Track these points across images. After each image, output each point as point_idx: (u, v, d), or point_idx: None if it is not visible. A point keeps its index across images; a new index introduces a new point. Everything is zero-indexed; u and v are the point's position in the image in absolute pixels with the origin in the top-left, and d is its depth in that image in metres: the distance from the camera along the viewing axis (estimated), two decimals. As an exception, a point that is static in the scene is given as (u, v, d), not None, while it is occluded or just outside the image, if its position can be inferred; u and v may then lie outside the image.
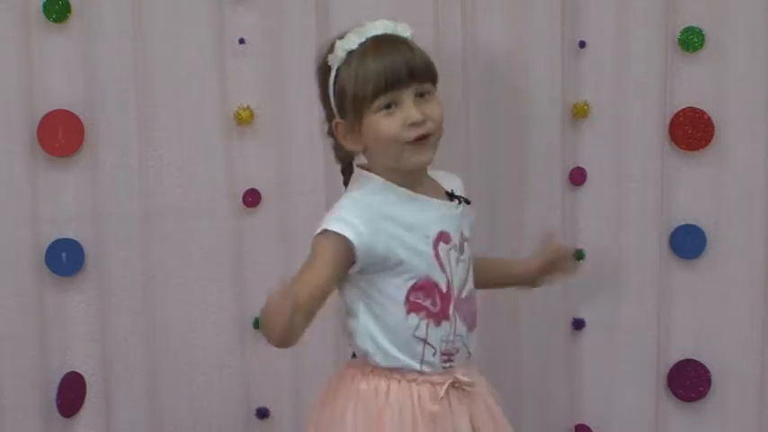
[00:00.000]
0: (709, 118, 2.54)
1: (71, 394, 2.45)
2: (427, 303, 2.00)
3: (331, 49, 2.03)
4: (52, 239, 2.42)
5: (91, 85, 2.40)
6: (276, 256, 2.45)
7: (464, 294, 2.05)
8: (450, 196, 2.08)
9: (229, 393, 2.49)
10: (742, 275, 2.58)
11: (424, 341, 2.01)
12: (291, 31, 2.42)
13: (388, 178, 2.03)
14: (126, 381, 2.47)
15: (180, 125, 2.44)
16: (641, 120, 2.53)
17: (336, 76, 2.03)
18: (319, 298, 1.92)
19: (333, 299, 2.00)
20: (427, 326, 2.01)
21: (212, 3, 2.42)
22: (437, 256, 2.01)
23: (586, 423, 2.59)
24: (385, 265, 1.98)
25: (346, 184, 2.10)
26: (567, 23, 2.49)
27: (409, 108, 1.98)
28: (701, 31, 2.52)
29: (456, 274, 2.03)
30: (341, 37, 2.03)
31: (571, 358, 2.58)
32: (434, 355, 2.01)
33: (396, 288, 1.99)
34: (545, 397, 2.56)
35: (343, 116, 2.03)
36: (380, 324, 2.01)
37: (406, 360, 2.00)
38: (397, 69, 1.98)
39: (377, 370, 2.02)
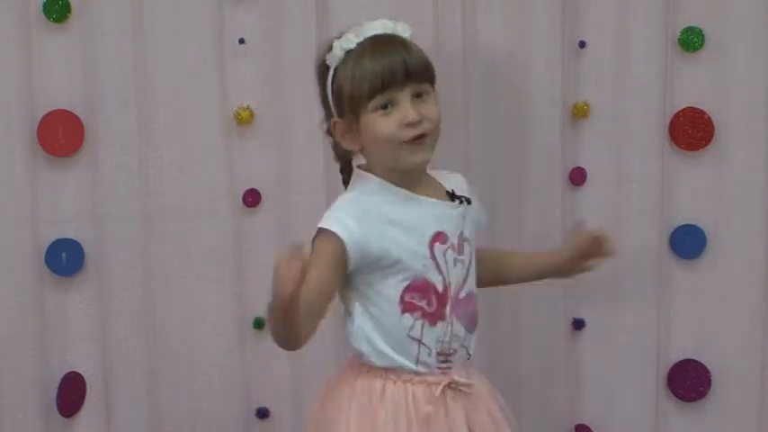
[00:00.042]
0: (709, 118, 2.54)
1: (71, 394, 2.45)
2: (422, 304, 2.00)
3: (329, 48, 2.04)
4: (52, 239, 2.42)
5: (91, 85, 2.40)
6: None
7: (462, 295, 2.05)
8: (452, 196, 2.08)
9: (229, 393, 2.49)
10: (742, 275, 2.58)
11: (419, 341, 2.01)
12: (291, 31, 2.42)
13: (386, 178, 2.03)
14: (126, 381, 2.47)
15: (180, 125, 2.44)
16: (641, 120, 2.53)
17: (334, 76, 2.03)
18: (315, 299, 1.91)
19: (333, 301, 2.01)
20: (422, 326, 2.01)
21: (212, 3, 2.42)
22: (433, 256, 2.01)
23: (586, 423, 2.59)
24: (379, 266, 1.98)
25: (345, 183, 2.11)
26: (567, 23, 2.49)
27: (406, 108, 1.98)
28: (701, 31, 2.52)
29: (453, 275, 2.03)
30: (340, 36, 2.04)
31: (571, 358, 2.58)
32: (430, 355, 2.01)
33: (391, 288, 2.00)
34: (545, 397, 2.56)
35: (340, 115, 2.04)
36: (376, 324, 2.01)
37: (400, 360, 2.00)
38: (393, 69, 1.98)
39: (373, 370, 2.02)
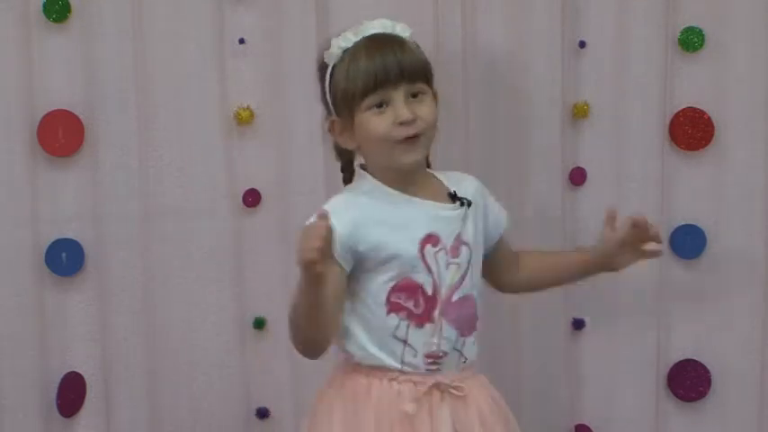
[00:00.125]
0: (709, 118, 2.54)
1: (71, 394, 2.45)
2: (409, 304, 2.00)
3: (329, 46, 2.04)
4: (52, 239, 2.42)
5: (91, 85, 2.41)
6: (276, 256, 2.45)
7: (455, 298, 2.04)
8: (453, 198, 2.08)
9: (229, 393, 2.49)
10: (742, 275, 2.58)
11: (404, 342, 2.01)
12: (291, 31, 2.42)
13: (382, 176, 2.04)
14: (126, 381, 2.47)
15: (180, 125, 2.44)
16: (641, 120, 2.53)
17: (332, 74, 2.04)
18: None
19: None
20: (407, 327, 2.00)
21: (212, 3, 2.42)
22: (423, 258, 2.01)
23: (586, 423, 2.59)
24: (367, 266, 1.99)
25: (346, 182, 2.12)
26: (567, 23, 2.49)
27: (399, 107, 1.99)
28: (701, 31, 2.52)
29: (444, 277, 2.02)
30: (339, 35, 2.04)
31: (571, 358, 2.58)
32: (416, 356, 2.01)
33: (378, 287, 2.00)
34: (545, 397, 2.56)
35: (338, 113, 2.04)
36: (363, 323, 2.01)
37: (385, 359, 2.01)
38: (387, 68, 1.98)
39: (360, 368, 2.02)
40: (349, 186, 2.10)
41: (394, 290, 2.00)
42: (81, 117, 2.40)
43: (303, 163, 2.45)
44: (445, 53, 2.42)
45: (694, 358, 2.59)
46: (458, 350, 2.05)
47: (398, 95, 1.99)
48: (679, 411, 2.61)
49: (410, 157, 2.01)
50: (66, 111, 2.39)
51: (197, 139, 2.44)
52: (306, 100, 2.35)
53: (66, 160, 2.41)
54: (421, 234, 2.01)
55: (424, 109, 2.01)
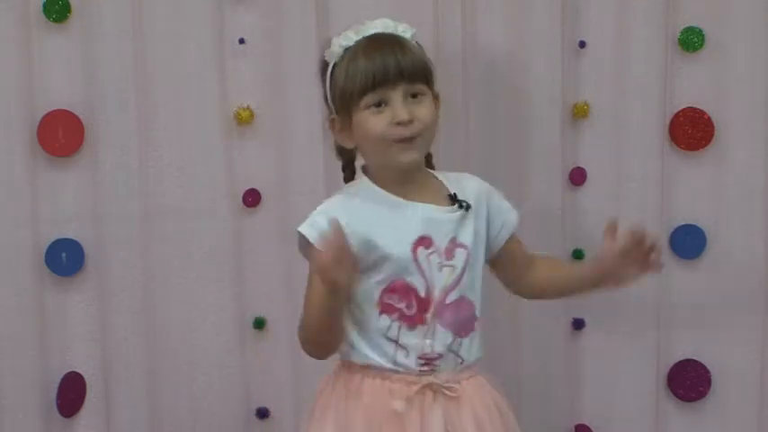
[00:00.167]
0: (709, 118, 2.54)
1: (71, 394, 2.45)
2: (401, 306, 2.00)
3: (330, 45, 2.05)
4: (52, 239, 2.42)
5: (91, 85, 2.41)
6: (276, 256, 2.45)
7: (449, 300, 2.03)
8: (453, 200, 2.07)
9: (229, 393, 2.49)
10: (742, 275, 2.58)
11: (396, 342, 2.00)
12: (291, 31, 2.42)
13: (381, 176, 2.04)
14: (126, 381, 2.47)
15: (180, 125, 2.44)
16: (641, 120, 2.53)
17: (332, 72, 2.04)
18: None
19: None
20: (399, 328, 2.00)
21: (212, 3, 2.42)
22: (416, 260, 2.00)
23: (586, 423, 2.59)
24: (359, 267, 1.98)
25: (346, 182, 2.12)
26: (567, 23, 2.49)
27: (397, 108, 1.98)
28: (701, 31, 2.52)
29: (437, 280, 2.02)
30: (341, 34, 2.04)
31: (571, 358, 2.58)
32: (408, 357, 2.00)
33: (370, 288, 2.00)
34: (545, 397, 2.56)
35: (337, 112, 2.04)
36: (356, 323, 2.02)
37: (377, 359, 2.01)
38: (385, 68, 1.98)
39: (353, 366, 2.03)
40: (344, 188, 2.10)
41: (386, 291, 2.00)
42: (81, 117, 2.40)
43: (303, 163, 2.45)
44: (445, 53, 2.42)
45: (694, 358, 2.59)
46: (453, 351, 2.04)
47: (397, 95, 1.99)
48: (679, 411, 2.61)
49: (407, 156, 2.01)
50: (66, 111, 2.39)
51: (197, 139, 2.44)
52: (306, 100, 2.35)
53: (66, 160, 2.41)
54: (413, 236, 2.01)
55: (422, 110, 2.01)
